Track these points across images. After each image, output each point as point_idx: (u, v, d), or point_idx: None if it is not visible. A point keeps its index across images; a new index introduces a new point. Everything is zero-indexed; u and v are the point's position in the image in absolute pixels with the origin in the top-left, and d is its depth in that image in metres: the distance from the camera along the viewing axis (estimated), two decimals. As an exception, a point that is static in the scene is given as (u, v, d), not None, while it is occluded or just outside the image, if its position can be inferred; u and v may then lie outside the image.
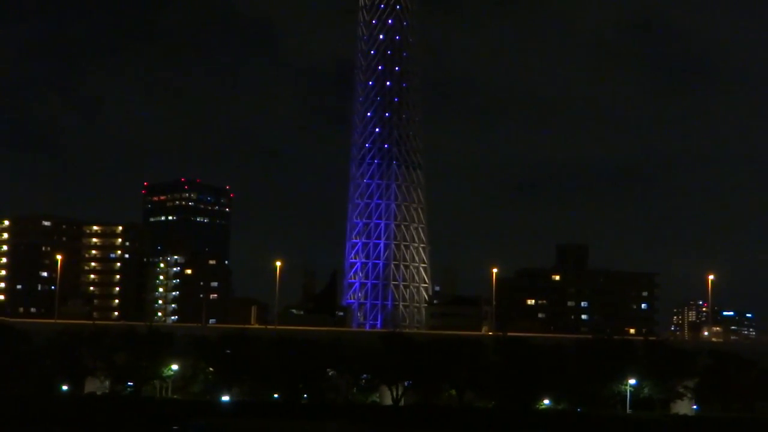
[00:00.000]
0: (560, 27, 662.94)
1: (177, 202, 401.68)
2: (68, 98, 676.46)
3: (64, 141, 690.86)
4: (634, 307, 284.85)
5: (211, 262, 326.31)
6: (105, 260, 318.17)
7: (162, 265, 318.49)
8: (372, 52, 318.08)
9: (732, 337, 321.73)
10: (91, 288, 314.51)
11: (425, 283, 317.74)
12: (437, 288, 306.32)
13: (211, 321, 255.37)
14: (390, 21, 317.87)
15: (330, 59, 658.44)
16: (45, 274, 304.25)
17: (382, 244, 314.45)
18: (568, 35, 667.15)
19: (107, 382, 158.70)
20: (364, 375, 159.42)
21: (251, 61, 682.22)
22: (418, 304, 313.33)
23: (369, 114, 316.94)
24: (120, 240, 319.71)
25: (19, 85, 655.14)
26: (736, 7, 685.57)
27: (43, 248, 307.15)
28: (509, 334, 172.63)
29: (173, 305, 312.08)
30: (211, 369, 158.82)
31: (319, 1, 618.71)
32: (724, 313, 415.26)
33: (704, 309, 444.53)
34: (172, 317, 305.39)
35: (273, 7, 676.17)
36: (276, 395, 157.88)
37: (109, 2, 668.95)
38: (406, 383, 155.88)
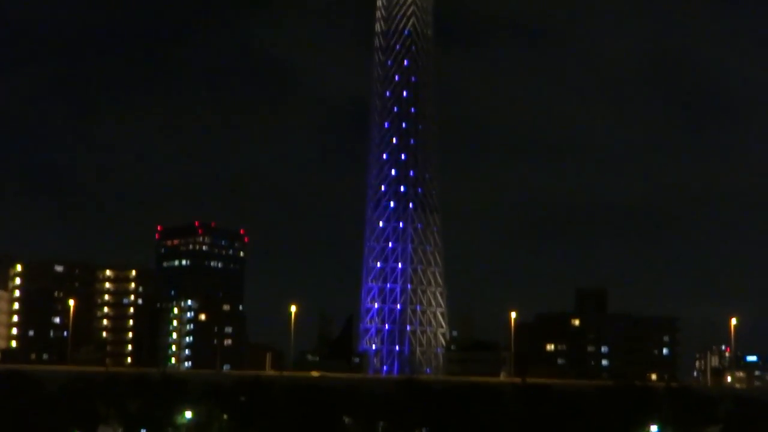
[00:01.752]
0: (578, 64, 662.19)
1: (191, 247, 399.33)
2: (81, 140, 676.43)
3: (77, 184, 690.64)
4: (656, 352, 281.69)
5: (225, 307, 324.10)
6: (118, 305, 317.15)
7: (175, 310, 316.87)
8: (387, 93, 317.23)
9: (756, 383, 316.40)
10: (104, 334, 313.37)
11: (442, 327, 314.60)
12: (455, 333, 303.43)
13: (226, 367, 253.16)
14: (406, 62, 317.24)
15: (346, 100, 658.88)
16: (57, 320, 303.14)
17: (398, 289, 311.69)
18: (587, 73, 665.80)
19: (120, 430, 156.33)
20: (381, 422, 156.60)
21: (266, 101, 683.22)
22: (435, 350, 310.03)
23: (385, 156, 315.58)
24: (133, 285, 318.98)
25: (32, 127, 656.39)
26: (756, 43, 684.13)
27: (56, 294, 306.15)
28: (528, 380, 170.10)
29: (187, 351, 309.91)
30: (225, 416, 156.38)
31: (337, 42, 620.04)
32: (748, 358, 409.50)
33: (727, 354, 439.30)
34: (186, 363, 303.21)
35: (289, 48, 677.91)
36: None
37: (124, 44, 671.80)
38: (423, 430, 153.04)
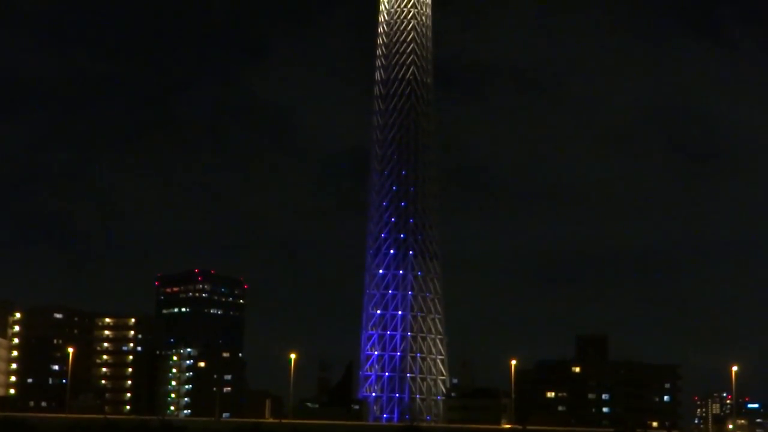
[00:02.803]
0: (579, 113, 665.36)
1: (190, 294, 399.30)
2: (80, 187, 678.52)
3: (76, 231, 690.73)
4: (657, 399, 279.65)
5: (225, 354, 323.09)
6: (117, 353, 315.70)
7: (175, 357, 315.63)
8: (387, 140, 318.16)
9: (757, 430, 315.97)
10: (103, 381, 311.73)
11: (443, 375, 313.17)
12: (455, 380, 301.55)
13: (225, 415, 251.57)
14: (405, 109, 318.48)
15: (346, 148, 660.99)
16: (56, 367, 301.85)
17: (398, 336, 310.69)
18: (589, 121, 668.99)
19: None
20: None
21: (266, 150, 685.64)
22: (435, 397, 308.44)
23: (384, 203, 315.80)
24: (132, 332, 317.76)
25: (31, 176, 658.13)
26: (757, 92, 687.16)
27: (55, 341, 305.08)
28: (529, 427, 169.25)
29: (186, 399, 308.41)
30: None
31: (337, 89, 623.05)
32: (749, 405, 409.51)
33: (728, 401, 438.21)
34: (185, 411, 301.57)
35: (290, 96, 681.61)
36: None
37: (124, 90, 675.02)
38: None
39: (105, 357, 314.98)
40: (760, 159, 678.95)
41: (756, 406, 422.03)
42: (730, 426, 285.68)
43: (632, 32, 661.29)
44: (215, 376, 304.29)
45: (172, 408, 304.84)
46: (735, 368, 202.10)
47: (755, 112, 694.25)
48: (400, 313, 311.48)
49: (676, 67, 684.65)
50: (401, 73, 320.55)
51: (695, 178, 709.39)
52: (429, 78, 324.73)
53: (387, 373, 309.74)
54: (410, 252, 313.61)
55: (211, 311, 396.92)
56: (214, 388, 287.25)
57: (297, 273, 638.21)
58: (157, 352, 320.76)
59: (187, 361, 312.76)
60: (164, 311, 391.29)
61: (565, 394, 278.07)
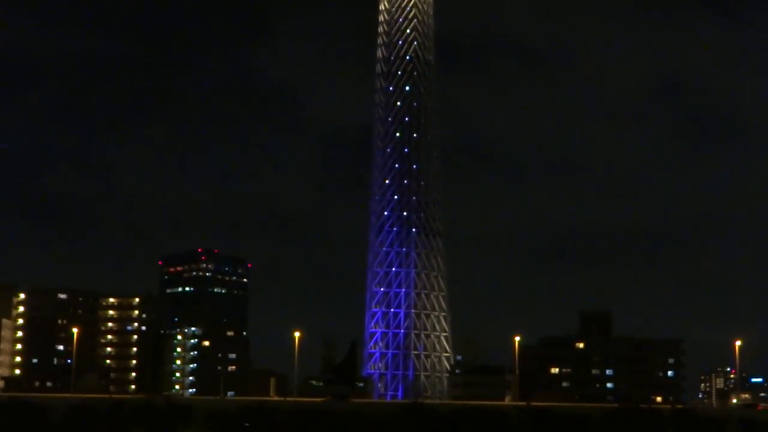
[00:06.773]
0: (584, 89, 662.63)
1: (194, 273, 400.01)
2: (83, 167, 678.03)
3: (79, 211, 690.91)
4: (661, 374, 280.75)
5: (229, 333, 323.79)
6: (122, 332, 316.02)
7: (179, 336, 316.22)
8: (389, 119, 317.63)
9: (761, 404, 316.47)
10: (108, 361, 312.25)
11: (447, 352, 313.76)
12: (459, 357, 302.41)
13: (230, 393, 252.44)
14: (407, 87, 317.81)
15: (349, 126, 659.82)
16: (61, 347, 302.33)
17: (402, 313, 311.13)
18: (593, 97, 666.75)
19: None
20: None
21: (269, 128, 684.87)
22: (439, 374, 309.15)
23: (387, 181, 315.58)
24: (137, 312, 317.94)
25: (33, 155, 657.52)
26: (763, 68, 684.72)
27: (59, 321, 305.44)
28: (533, 403, 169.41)
29: (191, 378, 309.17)
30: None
31: (340, 67, 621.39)
32: (753, 379, 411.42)
33: (732, 376, 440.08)
34: (190, 390, 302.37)
35: (292, 74, 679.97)
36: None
37: (126, 69, 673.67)
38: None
39: (109, 337, 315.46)
40: (765, 134, 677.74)
41: (759, 380, 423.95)
42: (734, 400, 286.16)
43: (639, 5, 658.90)
44: (220, 355, 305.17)
45: (177, 387, 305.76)
46: (738, 343, 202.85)
47: (761, 86, 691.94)
48: (403, 290, 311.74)
49: (684, 40, 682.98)
50: (402, 50, 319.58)
51: (699, 153, 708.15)
52: (431, 55, 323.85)
53: (391, 351, 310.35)
54: (413, 229, 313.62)
55: (215, 290, 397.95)
56: (219, 367, 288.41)
57: (300, 251, 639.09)
58: (162, 332, 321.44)
59: (192, 341, 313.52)
60: (168, 291, 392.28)
61: (569, 370, 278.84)
